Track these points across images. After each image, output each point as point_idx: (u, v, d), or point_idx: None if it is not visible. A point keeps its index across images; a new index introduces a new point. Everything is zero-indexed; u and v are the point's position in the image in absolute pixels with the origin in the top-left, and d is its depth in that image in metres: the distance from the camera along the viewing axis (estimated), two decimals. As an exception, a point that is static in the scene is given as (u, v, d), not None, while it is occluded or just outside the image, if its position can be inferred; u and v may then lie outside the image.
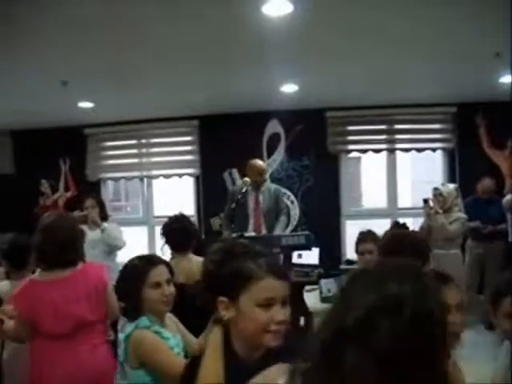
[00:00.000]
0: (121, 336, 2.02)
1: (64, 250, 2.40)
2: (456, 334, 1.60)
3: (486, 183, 5.67)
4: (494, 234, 5.42)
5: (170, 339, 1.98)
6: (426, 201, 4.84)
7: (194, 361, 1.37)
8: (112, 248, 4.35)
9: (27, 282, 2.48)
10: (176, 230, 3.18)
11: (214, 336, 1.34)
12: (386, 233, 3.23)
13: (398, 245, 2.43)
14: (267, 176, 6.35)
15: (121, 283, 2.05)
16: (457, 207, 4.94)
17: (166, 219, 3.29)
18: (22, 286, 2.46)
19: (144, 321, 1.96)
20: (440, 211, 4.70)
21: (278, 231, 4.74)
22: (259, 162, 4.90)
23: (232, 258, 1.32)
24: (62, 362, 2.32)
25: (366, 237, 3.67)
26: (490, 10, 3.35)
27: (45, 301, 2.35)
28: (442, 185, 5.07)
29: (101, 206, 4.51)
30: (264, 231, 4.74)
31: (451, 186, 5.04)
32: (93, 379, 2.34)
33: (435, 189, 5.02)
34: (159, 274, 2.05)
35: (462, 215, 4.95)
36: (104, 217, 4.48)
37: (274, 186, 5.19)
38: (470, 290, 5.51)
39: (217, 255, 1.35)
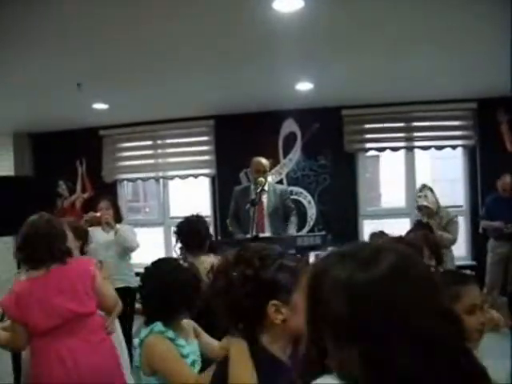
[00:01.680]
0: (135, 341, 2.01)
1: (36, 249, 2.44)
2: (480, 333, 1.63)
3: (507, 181, 5.53)
4: None
5: (184, 347, 1.93)
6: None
7: (222, 368, 1.38)
8: (125, 250, 4.33)
9: (15, 285, 2.52)
10: (189, 232, 3.16)
11: (238, 347, 1.33)
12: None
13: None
14: (282, 176, 6.36)
15: (162, 285, 1.97)
16: (440, 206, 4.95)
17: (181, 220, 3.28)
18: (10, 291, 2.48)
19: (158, 326, 1.92)
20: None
21: (291, 231, 4.67)
22: (261, 160, 4.79)
23: (273, 260, 1.35)
24: (63, 360, 2.35)
25: (377, 238, 3.60)
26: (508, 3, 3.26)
27: (31, 299, 2.39)
28: (419, 197, 4.99)
29: (115, 207, 4.49)
30: (268, 232, 4.65)
31: (428, 193, 4.97)
32: (93, 377, 2.35)
33: (418, 208, 4.97)
34: None
35: (450, 214, 4.96)
36: (118, 218, 4.45)
37: (280, 187, 5.13)
38: (494, 291, 5.40)
39: (253, 262, 1.34)
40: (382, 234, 3.69)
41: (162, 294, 1.94)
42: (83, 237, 3.56)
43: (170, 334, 1.91)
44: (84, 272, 2.54)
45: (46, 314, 2.37)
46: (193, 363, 1.94)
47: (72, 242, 2.91)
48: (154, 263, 2.10)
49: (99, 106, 5.66)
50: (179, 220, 3.32)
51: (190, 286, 1.99)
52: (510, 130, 5.87)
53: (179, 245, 3.17)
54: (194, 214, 3.27)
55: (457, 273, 1.79)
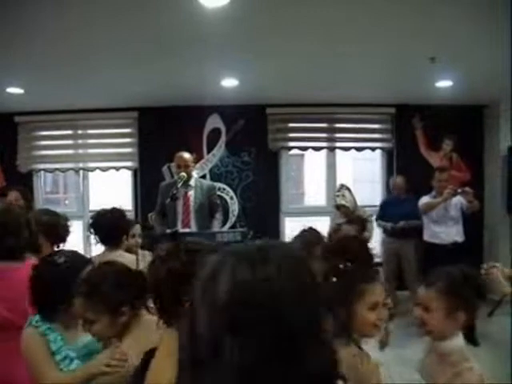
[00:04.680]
0: None
1: None
2: (378, 327, 1.76)
3: (397, 181, 5.86)
4: (406, 230, 5.54)
5: (56, 342, 1.89)
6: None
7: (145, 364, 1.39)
8: None
9: None
10: (105, 224, 3.08)
11: (167, 339, 1.35)
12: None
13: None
14: (205, 171, 6.35)
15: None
16: (357, 206, 5.18)
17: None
18: None
19: (35, 318, 1.91)
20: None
21: (215, 229, 4.67)
22: (183, 154, 4.75)
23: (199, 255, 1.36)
24: None
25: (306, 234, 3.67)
26: (425, 16, 3.44)
27: None
28: (337, 196, 5.21)
29: (26, 199, 4.27)
30: (194, 228, 4.64)
31: (346, 192, 5.21)
32: None
33: (336, 207, 5.18)
34: None
35: (366, 213, 5.25)
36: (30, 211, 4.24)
37: (207, 183, 5.12)
38: (390, 285, 5.59)
39: (181, 256, 1.40)
40: (311, 230, 3.76)
41: (37, 286, 1.93)
42: None
43: (43, 327, 1.89)
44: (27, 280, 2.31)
45: None
46: (64, 359, 1.89)
47: None
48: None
49: (14, 90, 5.35)
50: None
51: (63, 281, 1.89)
52: (423, 135, 6.22)
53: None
54: (110, 206, 3.21)
55: (365, 271, 1.85)
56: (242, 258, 0.82)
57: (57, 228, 2.97)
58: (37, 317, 1.90)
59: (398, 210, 5.62)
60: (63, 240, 3.03)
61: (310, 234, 3.59)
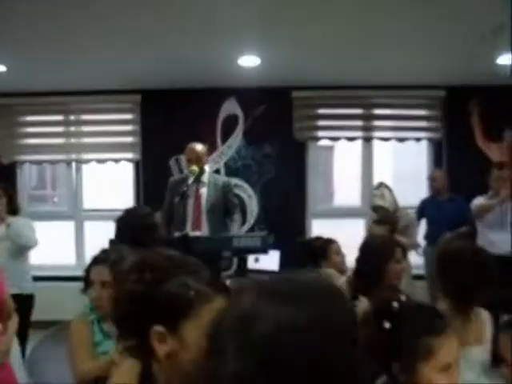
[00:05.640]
0: None
1: None
2: None
3: (436, 176, 5.84)
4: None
5: (99, 334, 2.18)
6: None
7: None
8: (20, 247, 4.26)
9: None
10: (137, 226, 3.20)
11: (126, 373, 1.27)
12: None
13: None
14: (220, 165, 6.34)
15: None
16: (398, 207, 5.17)
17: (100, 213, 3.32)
18: None
19: (86, 306, 2.22)
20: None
21: (232, 233, 4.66)
22: (194, 147, 4.80)
23: (167, 274, 1.21)
24: None
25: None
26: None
27: None
28: (375, 196, 5.15)
29: (9, 195, 4.34)
30: (205, 231, 4.64)
31: (385, 192, 5.13)
32: None
33: (373, 208, 5.11)
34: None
35: (409, 215, 5.25)
36: (13, 209, 4.35)
37: (222, 179, 5.13)
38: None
39: (143, 272, 1.23)
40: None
41: None
42: None
43: (92, 317, 2.20)
44: None
45: None
46: (104, 353, 2.14)
47: None
48: None
49: (-5, 67, 5.39)
50: (94, 213, 3.32)
51: None
52: (481, 123, 6.07)
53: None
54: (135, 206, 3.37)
55: (429, 315, 1.60)
56: (278, 298, 0.82)
57: None
58: (87, 305, 2.19)
59: (439, 214, 5.52)
60: None
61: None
